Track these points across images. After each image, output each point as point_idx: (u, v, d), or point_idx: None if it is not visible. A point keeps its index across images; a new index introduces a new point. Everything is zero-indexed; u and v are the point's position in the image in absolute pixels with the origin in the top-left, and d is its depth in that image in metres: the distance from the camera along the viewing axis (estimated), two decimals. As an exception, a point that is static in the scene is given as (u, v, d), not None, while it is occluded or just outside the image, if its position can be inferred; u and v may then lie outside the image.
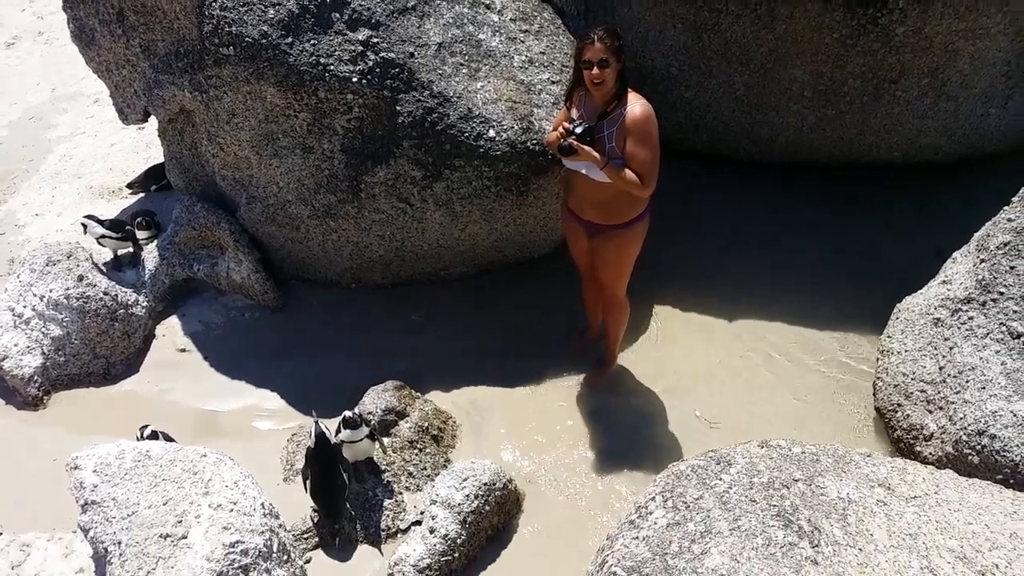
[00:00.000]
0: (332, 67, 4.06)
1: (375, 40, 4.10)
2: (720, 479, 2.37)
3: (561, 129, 3.58)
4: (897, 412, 3.63)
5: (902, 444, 3.60)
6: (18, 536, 2.98)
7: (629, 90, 3.52)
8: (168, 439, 3.62)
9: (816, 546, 2.28)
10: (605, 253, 3.89)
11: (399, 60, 4.11)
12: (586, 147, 3.49)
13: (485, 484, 3.44)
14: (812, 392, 4.15)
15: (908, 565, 2.24)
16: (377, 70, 4.09)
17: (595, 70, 3.40)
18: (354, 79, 4.08)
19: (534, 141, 4.25)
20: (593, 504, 3.65)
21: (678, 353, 4.43)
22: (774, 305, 4.60)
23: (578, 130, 3.48)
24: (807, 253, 4.94)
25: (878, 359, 3.89)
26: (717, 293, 4.72)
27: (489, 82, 4.29)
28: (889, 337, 3.84)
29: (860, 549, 2.29)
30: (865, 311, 4.41)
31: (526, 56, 4.42)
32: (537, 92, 4.40)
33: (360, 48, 4.09)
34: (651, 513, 2.29)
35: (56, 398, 4.36)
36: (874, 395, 3.88)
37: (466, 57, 4.28)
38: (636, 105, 3.47)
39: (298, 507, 3.57)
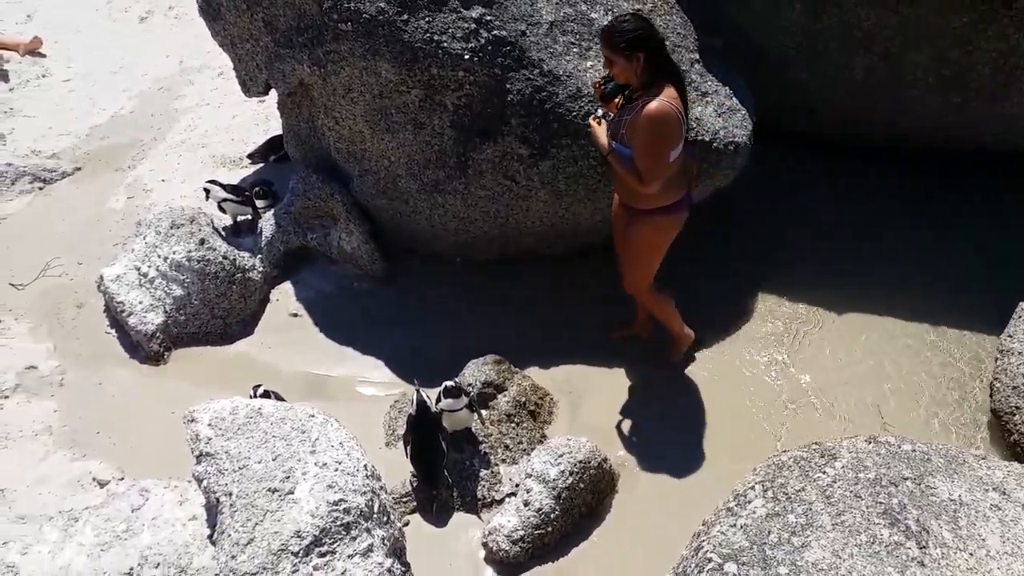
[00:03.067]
0: (445, 44, 4.12)
1: (488, 18, 4.13)
2: (824, 472, 2.32)
3: (599, 80, 3.62)
4: (1015, 415, 3.46)
5: (1019, 448, 3.43)
6: (138, 482, 3.18)
7: (666, 86, 3.40)
8: (279, 399, 3.79)
9: (924, 547, 2.21)
10: (625, 234, 3.89)
11: (511, 38, 4.14)
12: (597, 130, 3.60)
13: (580, 462, 3.47)
14: (923, 389, 3.99)
15: (1022, 574, 2.15)
16: (489, 48, 4.13)
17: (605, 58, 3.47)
18: (466, 56, 4.12)
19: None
20: (687, 487, 3.64)
21: (785, 341, 4.33)
22: (882, 297, 4.45)
23: (609, 85, 3.52)
24: (915, 244, 4.76)
25: (997, 359, 3.72)
26: (823, 283, 4.60)
27: (600, 61, 4.26)
28: (1010, 336, 3.66)
29: (971, 554, 2.21)
30: (980, 307, 4.22)
31: (638, 36, 4.37)
32: (648, 72, 4.35)
33: (473, 26, 4.13)
34: (750, 502, 2.26)
35: (176, 354, 4.60)
36: (991, 396, 3.70)
37: (577, 36, 4.27)
38: (654, 102, 3.36)
39: (398, 471, 3.69)
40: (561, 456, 3.48)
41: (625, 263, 4.02)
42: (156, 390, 4.39)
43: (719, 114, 4.51)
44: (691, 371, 4.21)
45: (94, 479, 3.86)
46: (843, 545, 2.16)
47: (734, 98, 4.65)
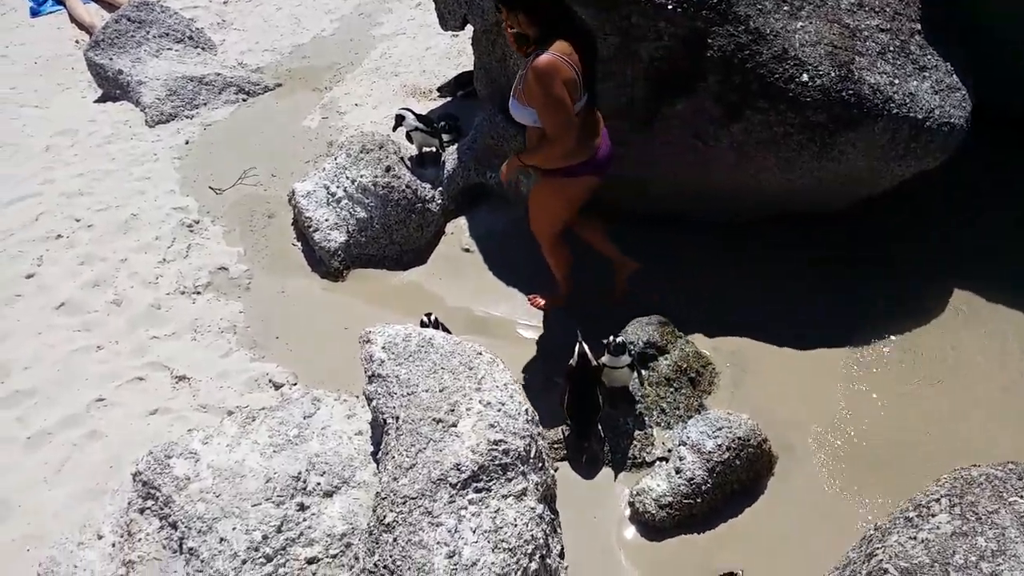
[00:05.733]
0: (650, -8, 3.97)
1: (699, -32, 3.95)
2: (1021, 497, 2.12)
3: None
4: None
5: None
6: (311, 390, 3.34)
7: (559, 41, 3.38)
8: (446, 330, 3.88)
9: None
10: (532, 194, 3.95)
11: (720, -9, 3.94)
12: (507, 167, 3.74)
13: (739, 439, 3.37)
14: None
15: None
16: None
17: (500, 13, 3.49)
18: (670, 6, 3.97)
19: (850, 91, 3.94)
20: (854, 484, 3.44)
21: (980, 337, 4.02)
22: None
23: None
24: None
25: None
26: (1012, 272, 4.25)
27: (811, 23, 4.01)
28: None
29: None
30: None
31: (856, -2, 4.07)
32: (863, 39, 4.05)
33: (682, -26, 3.96)
34: (933, 516, 2.11)
35: (353, 273, 4.80)
36: None
37: (790, -7, 4.01)
38: (543, 55, 3.35)
39: (552, 417, 3.71)
40: (720, 429, 3.39)
41: (531, 220, 4.07)
42: (333, 305, 4.61)
43: (936, 91, 4.16)
44: (880, 358, 3.98)
45: (270, 381, 4.13)
46: (1035, 579, 1.98)
47: (954, 75, 4.26)
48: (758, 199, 4.49)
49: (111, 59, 6.66)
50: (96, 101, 6.76)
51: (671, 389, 3.78)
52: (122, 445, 3.78)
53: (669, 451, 3.55)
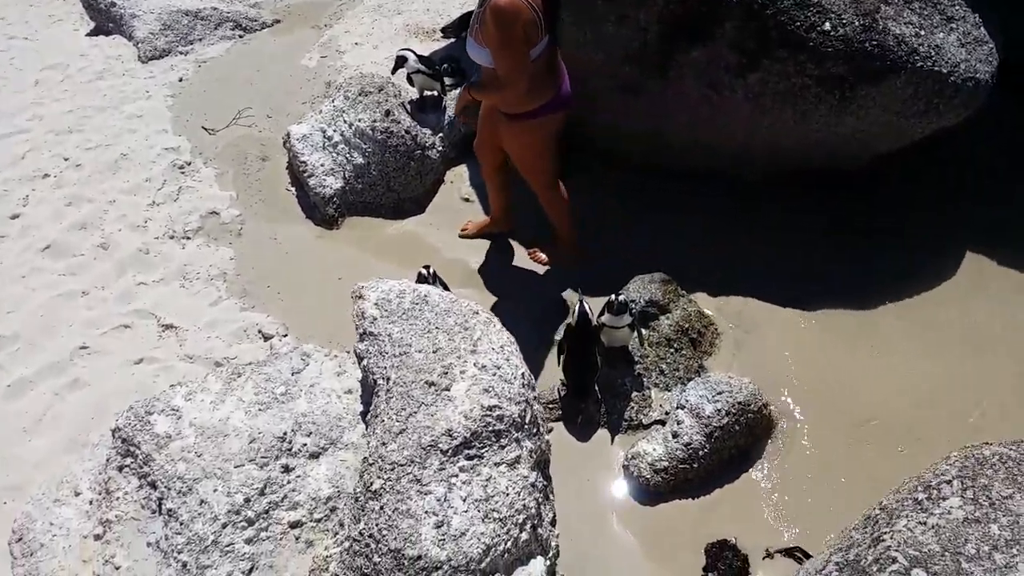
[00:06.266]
0: (668, -70, 3.76)
1: (716, -95, 3.72)
2: (1038, 481, 2.01)
3: None
4: None
5: None
6: (301, 345, 3.23)
7: None
8: (443, 284, 3.76)
9: None
10: (507, 146, 3.86)
11: (744, -68, 3.72)
12: (458, 99, 3.63)
13: (739, 403, 3.26)
14: None
15: None
16: (713, -61, 3.74)
17: None
18: (689, -53, 3.76)
19: (873, 42, 3.75)
20: (857, 455, 3.32)
21: (993, 311, 3.90)
22: None
23: None
24: None
25: None
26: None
27: (849, -29, 3.79)
28: None
29: None
30: None
31: (883, -59, 3.84)
32: (888, -14, 3.83)
33: (698, -88, 3.74)
34: (944, 499, 2.01)
35: (348, 221, 4.65)
36: None
37: (813, -64, 3.78)
38: None
39: (548, 376, 3.62)
40: (720, 394, 3.28)
41: (520, 169, 3.97)
42: (326, 253, 4.47)
43: (962, 44, 3.96)
44: (890, 328, 3.85)
45: (260, 332, 4.01)
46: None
47: (982, 28, 4.05)
48: (772, 153, 4.31)
49: (103, -11, 6.42)
50: (88, 34, 6.54)
51: (671, 350, 3.67)
52: (105, 395, 3.68)
53: (667, 414, 3.45)
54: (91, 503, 2.77)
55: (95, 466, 2.88)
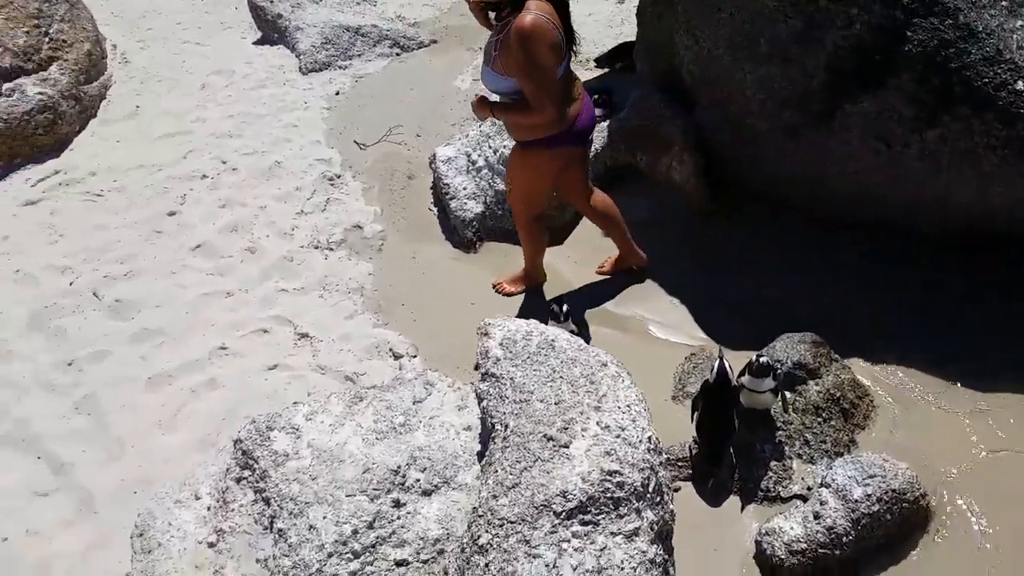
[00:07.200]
0: (846, -29, 3.50)
1: (908, -52, 3.44)
2: None
3: None
4: None
5: None
6: (426, 372, 3.16)
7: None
8: (576, 321, 3.62)
9: None
10: (509, 167, 3.81)
11: (929, -23, 3.43)
12: (476, 107, 3.48)
13: (894, 491, 2.93)
14: None
15: None
16: (897, -16, 3.46)
17: None
18: (866, -11, 3.49)
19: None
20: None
21: None
22: None
23: None
24: None
25: None
26: None
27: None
28: None
29: None
30: None
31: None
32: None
33: (886, -45, 3.46)
34: None
35: (487, 246, 4.60)
36: None
37: (1014, -16, 3.43)
38: (528, 16, 3.11)
39: (680, 431, 3.38)
40: (872, 477, 2.96)
41: (508, 194, 3.94)
42: (462, 277, 4.43)
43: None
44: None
45: (390, 350, 4.00)
46: None
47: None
48: (943, 213, 3.93)
49: (271, 2, 6.69)
50: (254, 43, 6.84)
51: (819, 419, 3.36)
52: (238, 398, 3.75)
53: (809, 489, 3.16)
54: (209, 509, 2.79)
55: (217, 472, 2.89)
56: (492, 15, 3.40)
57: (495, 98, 3.54)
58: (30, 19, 5.81)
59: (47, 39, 5.85)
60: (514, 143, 3.71)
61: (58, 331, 4.13)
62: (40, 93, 5.54)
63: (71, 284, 4.42)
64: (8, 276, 4.49)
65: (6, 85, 5.50)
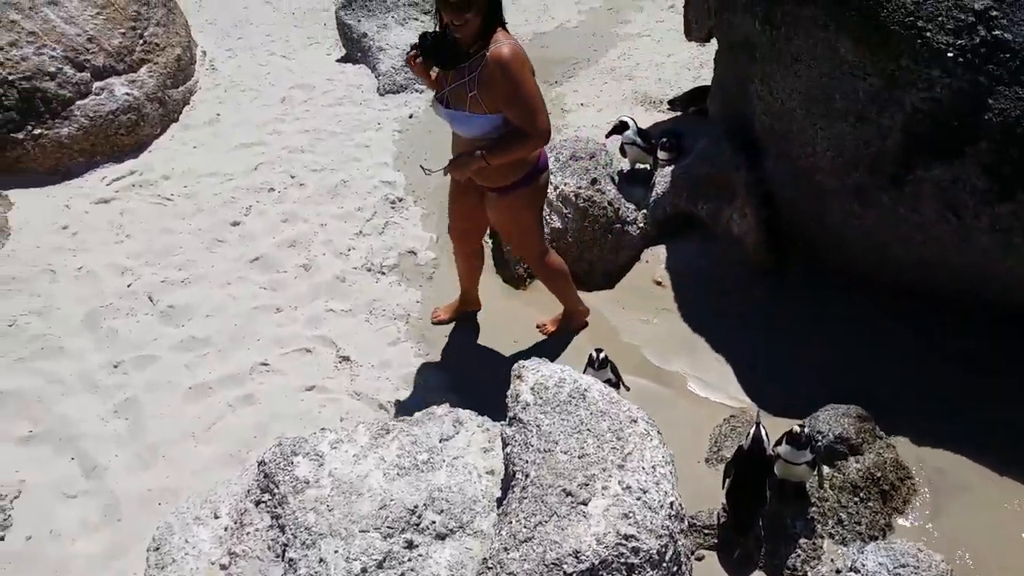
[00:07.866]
0: (929, 34, 3.40)
1: (994, 13, 3.32)
2: None
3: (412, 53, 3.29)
4: None
5: None
6: (456, 410, 3.12)
7: (499, 30, 3.15)
8: (615, 371, 3.56)
9: None
10: (497, 221, 3.75)
11: (1015, 44, 3.29)
12: (463, 165, 3.39)
13: (927, 585, 2.79)
14: None
15: None
16: (982, 50, 3.34)
17: (453, 12, 3.02)
18: (950, 54, 3.38)
19: None
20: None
21: None
22: None
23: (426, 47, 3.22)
24: None
25: None
26: None
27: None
28: None
29: None
30: None
31: None
32: None
33: (972, 19, 3.35)
34: None
35: (536, 283, 4.55)
36: None
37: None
38: (504, 45, 3.11)
39: (710, 496, 3.29)
40: (903, 567, 2.82)
41: (513, 246, 4.04)
42: (508, 313, 4.42)
43: None
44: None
45: (425, 381, 4.00)
46: None
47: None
48: (1012, 292, 3.76)
49: (359, 20, 6.81)
50: (338, 60, 6.98)
51: (856, 499, 3.24)
52: (272, 416, 3.80)
53: (837, 572, 3.02)
54: (226, 529, 2.81)
55: (239, 491, 2.92)
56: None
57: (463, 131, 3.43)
58: (128, 21, 6.00)
59: (141, 41, 6.05)
60: (488, 200, 3.66)
61: (110, 332, 4.26)
62: (127, 94, 5.75)
63: (129, 286, 4.55)
64: (71, 273, 4.65)
65: (96, 84, 5.72)
